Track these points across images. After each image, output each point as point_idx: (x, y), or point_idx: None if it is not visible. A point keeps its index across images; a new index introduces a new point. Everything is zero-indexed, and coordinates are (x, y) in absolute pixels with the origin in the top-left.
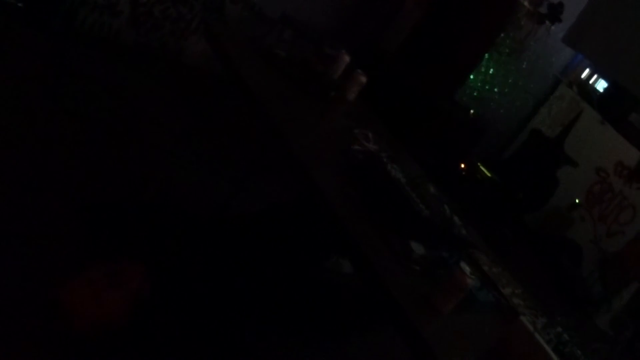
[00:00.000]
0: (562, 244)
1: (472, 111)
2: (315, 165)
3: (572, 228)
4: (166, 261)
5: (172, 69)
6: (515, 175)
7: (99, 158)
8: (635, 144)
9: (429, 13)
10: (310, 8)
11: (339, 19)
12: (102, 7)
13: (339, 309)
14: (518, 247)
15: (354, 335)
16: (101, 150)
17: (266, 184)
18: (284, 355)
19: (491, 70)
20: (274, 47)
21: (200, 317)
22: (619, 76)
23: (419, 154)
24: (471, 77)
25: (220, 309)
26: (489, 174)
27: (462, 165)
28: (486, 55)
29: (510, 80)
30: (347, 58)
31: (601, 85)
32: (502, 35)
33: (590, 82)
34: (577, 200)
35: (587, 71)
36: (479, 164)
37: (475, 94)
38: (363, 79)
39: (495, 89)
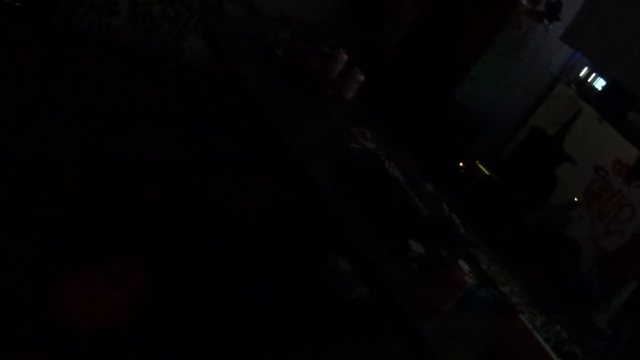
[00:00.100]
0: (561, 242)
1: (470, 110)
2: (314, 164)
3: (570, 226)
4: (165, 262)
5: (170, 68)
6: (513, 173)
7: (97, 158)
8: (634, 142)
9: (427, 11)
10: (308, 6)
11: (337, 17)
12: (100, 6)
13: (339, 309)
14: (516, 246)
15: (354, 335)
16: (99, 150)
17: (265, 184)
18: (283, 355)
19: (489, 69)
20: (271, 46)
21: (199, 317)
22: (617, 74)
23: (418, 152)
24: (470, 75)
25: (219, 309)
26: (487, 172)
27: (461, 164)
28: (485, 53)
29: (508, 79)
30: (344, 56)
31: (599, 83)
32: (500, 33)
33: (589, 80)
34: (575, 199)
35: (585, 69)
36: (477, 162)
37: (473, 92)
38: (361, 78)
39: (494, 88)
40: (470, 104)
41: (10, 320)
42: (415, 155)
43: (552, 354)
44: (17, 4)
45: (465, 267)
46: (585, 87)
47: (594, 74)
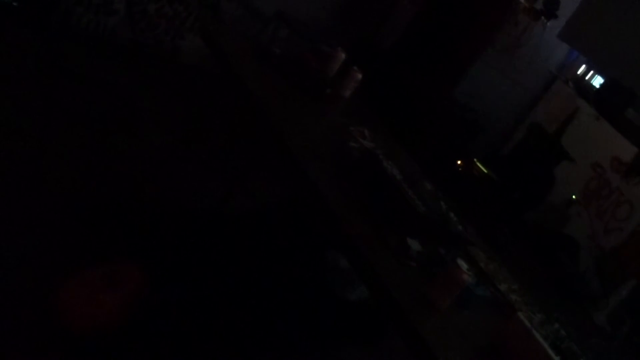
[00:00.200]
0: (559, 240)
1: (468, 108)
2: (312, 162)
3: (569, 224)
4: (164, 261)
5: (167, 67)
6: (512, 171)
7: (95, 158)
8: (632, 139)
9: (425, 9)
10: (305, 5)
11: (335, 15)
12: (98, 5)
13: (339, 310)
14: (515, 244)
15: (354, 336)
16: (97, 149)
17: (263, 183)
18: (283, 355)
19: (488, 67)
20: (269, 45)
21: (198, 317)
22: (615, 72)
23: (416, 150)
24: (468, 73)
25: (218, 309)
26: (485, 171)
27: (459, 162)
28: (483, 52)
29: (506, 77)
30: (342, 55)
31: (597, 81)
32: (499, 31)
33: (587, 78)
34: (573, 196)
35: (583, 67)
36: (475, 160)
37: (471, 90)
38: (359, 76)
39: (492, 86)
40: (469, 102)
41: (9, 320)
42: (414, 153)
43: (551, 352)
44: (14, 3)
45: (463, 265)
46: (583, 85)
47: (591, 72)
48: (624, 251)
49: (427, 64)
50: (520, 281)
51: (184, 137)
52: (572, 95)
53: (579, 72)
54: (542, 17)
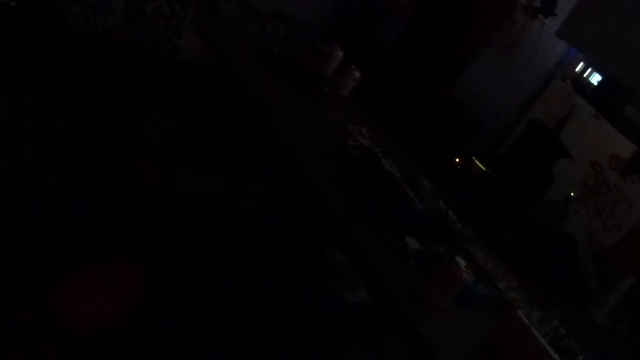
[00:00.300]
0: (558, 237)
1: (467, 106)
2: (310, 161)
3: (567, 221)
4: (162, 261)
5: (166, 66)
6: (510, 169)
7: (93, 157)
8: (630, 137)
9: (423, 8)
10: (304, 4)
11: (333, 14)
12: (96, 5)
13: (339, 310)
14: (513, 241)
15: (354, 337)
16: (95, 149)
17: (261, 182)
18: (283, 355)
19: (486, 65)
20: (267, 44)
21: (197, 317)
22: (613, 69)
23: (414, 148)
24: (466, 71)
25: (216, 308)
26: (484, 169)
27: (457, 160)
28: (481, 50)
29: (504, 75)
30: (340, 54)
31: (595, 78)
32: (497, 30)
33: (585, 75)
34: (572, 194)
35: (581, 65)
36: (473, 158)
37: (470, 88)
38: (357, 75)
39: (490, 84)
40: (467, 100)
41: (9, 320)
42: (412, 152)
43: (550, 350)
44: (12, 3)
45: (462, 263)
46: (581, 82)
47: (589, 69)
48: (622, 249)
49: (425, 63)
50: (519, 279)
51: (182, 136)
52: (571, 92)
53: (577, 70)
54: (540, 15)
